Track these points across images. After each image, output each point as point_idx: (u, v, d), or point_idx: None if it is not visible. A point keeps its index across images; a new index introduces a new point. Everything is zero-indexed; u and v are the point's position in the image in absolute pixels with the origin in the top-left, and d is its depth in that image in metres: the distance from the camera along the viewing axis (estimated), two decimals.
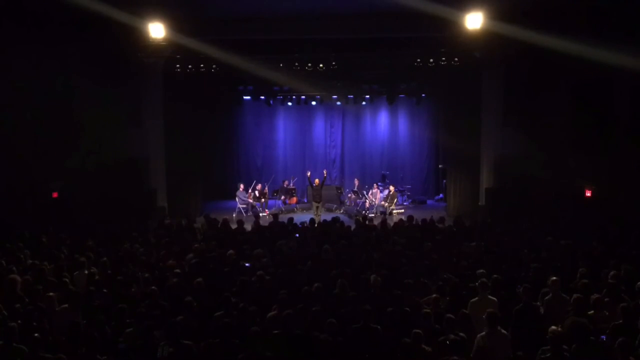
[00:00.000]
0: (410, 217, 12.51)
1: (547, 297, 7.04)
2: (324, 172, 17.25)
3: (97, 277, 8.26)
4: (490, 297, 6.95)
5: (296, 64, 15.23)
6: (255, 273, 8.05)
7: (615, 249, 9.32)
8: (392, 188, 17.46)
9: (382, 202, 17.27)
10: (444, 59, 14.95)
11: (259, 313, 6.71)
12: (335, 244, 9.78)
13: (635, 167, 12.65)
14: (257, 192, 17.54)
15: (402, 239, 10.48)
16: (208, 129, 17.85)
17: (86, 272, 8.44)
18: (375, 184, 18.09)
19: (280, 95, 18.02)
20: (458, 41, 13.85)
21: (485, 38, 13.27)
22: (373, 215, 15.97)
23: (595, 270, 7.95)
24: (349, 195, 18.31)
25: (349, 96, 18.05)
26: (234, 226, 12.17)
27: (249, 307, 6.74)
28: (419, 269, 8.54)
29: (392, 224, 12.43)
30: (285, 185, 18.56)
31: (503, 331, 6.06)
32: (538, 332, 6.15)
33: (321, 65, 15.12)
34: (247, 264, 9.05)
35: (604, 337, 5.98)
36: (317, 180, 15.96)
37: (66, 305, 6.93)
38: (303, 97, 18.36)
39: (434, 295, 7.08)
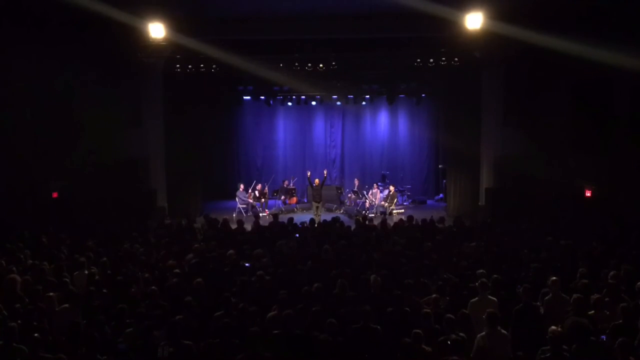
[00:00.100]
0: (410, 217, 12.51)
1: (547, 297, 7.03)
2: (324, 172, 17.25)
3: (97, 277, 8.26)
4: (490, 297, 6.95)
5: (296, 64, 15.22)
6: (255, 273, 8.04)
7: (615, 249, 9.32)
8: (392, 188, 17.46)
9: (382, 202, 17.27)
10: (444, 59, 14.95)
11: (259, 313, 6.71)
12: (335, 244, 9.78)
13: (635, 167, 12.64)
14: (257, 192, 17.54)
15: (402, 239, 10.49)
16: (208, 129, 17.84)
17: (86, 272, 8.45)
18: (375, 184, 18.09)
19: (280, 95, 18.02)
20: (458, 41, 13.84)
21: (485, 38, 13.26)
22: (373, 215, 15.97)
23: (595, 270, 7.95)
24: (349, 195, 18.31)
25: (349, 96, 18.06)
26: (234, 226, 12.17)
27: (249, 307, 6.74)
28: (419, 269, 8.54)
29: (392, 224, 12.43)
30: (285, 185, 18.56)
31: (503, 331, 6.06)
32: (538, 332, 6.15)
33: (321, 65, 15.12)
34: (247, 264, 9.05)
35: (604, 337, 5.98)
36: (317, 180, 15.96)
37: (66, 305, 6.93)
38: (303, 97, 18.36)
39: (434, 295, 7.08)
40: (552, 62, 13.54)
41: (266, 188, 17.82)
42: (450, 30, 13.38)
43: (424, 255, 9.30)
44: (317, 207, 15.63)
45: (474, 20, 12.48)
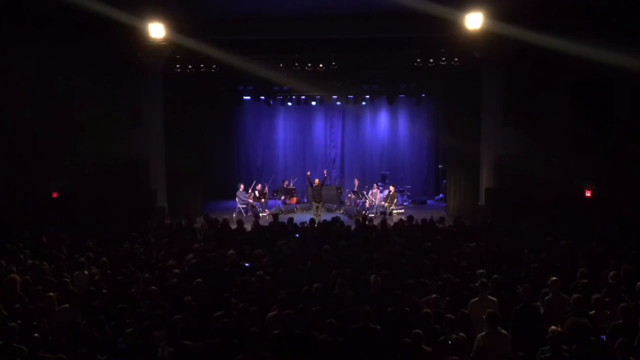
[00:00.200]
0: (410, 217, 12.51)
1: (547, 297, 7.03)
2: (324, 172, 17.26)
3: (97, 277, 8.26)
4: (490, 297, 6.94)
5: (296, 64, 15.23)
6: (255, 273, 8.04)
7: (615, 249, 9.32)
8: (392, 188, 17.46)
9: (382, 202, 17.27)
10: (444, 59, 14.95)
11: (259, 313, 6.71)
12: (335, 244, 9.77)
13: (635, 167, 12.63)
14: (257, 192, 17.54)
15: (402, 239, 10.49)
16: (208, 129, 17.86)
17: (86, 272, 8.45)
18: (375, 184, 18.09)
19: (280, 95, 18.03)
20: (458, 41, 13.85)
21: (485, 38, 13.27)
22: (373, 215, 15.97)
23: (595, 270, 7.95)
24: (349, 195, 18.31)
25: (349, 96, 18.08)
26: (234, 226, 12.17)
27: (249, 307, 6.74)
28: (419, 269, 8.54)
29: (392, 224, 12.43)
30: (285, 185, 18.56)
31: (503, 331, 6.06)
32: (538, 332, 6.15)
33: (321, 65, 15.12)
34: (247, 264, 9.05)
35: (604, 337, 5.98)
36: (317, 180, 15.96)
37: (66, 305, 6.93)
38: (303, 97, 18.37)
39: (434, 295, 7.08)
40: (552, 62, 13.54)
41: (266, 188, 17.83)
42: (450, 30, 13.38)
43: (424, 255, 9.30)
44: (317, 207, 15.63)
45: (474, 20, 12.48)
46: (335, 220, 12.17)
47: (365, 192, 17.77)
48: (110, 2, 11.93)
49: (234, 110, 19.65)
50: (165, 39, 13.54)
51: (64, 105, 14.06)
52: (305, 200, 18.78)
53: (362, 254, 9.18)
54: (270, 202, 18.17)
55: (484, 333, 6.01)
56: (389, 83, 17.07)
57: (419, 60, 15.05)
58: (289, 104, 18.73)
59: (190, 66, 15.14)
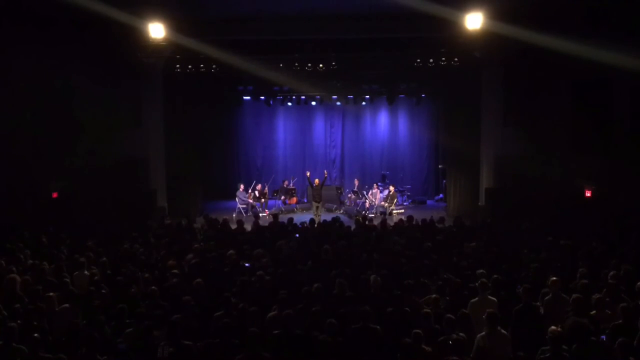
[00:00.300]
0: (410, 217, 12.51)
1: (547, 297, 7.03)
2: (325, 172, 17.26)
3: (97, 277, 8.26)
4: (490, 297, 6.94)
5: (296, 64, 15.23)
6: (255, 273, 8.05)
7: (615, 249, 9.32)
8: (392, 188, 17.47)
9: (382, 202, 17.27)
10: (443, 59, 14.95)
11: (259, 313, 6.71)
12: (335, 244, 9.77)
13: (635, 167, 12.63)
14: (257, 192, 17.54)
15: (402, 239, 10.49)
16: (208, 129, 17.87)
17: (86, 272, 8.44)
18: (375, 184, 18.10)
19: (280, 95, 18.03)
20: (458, 41, 13.85)
21: (485, 38, 13.27)
22: (373, 215, 15.97)
23: (595, 270, 7.95)
24: (349, 195, 18.31)
25: (349, 96, 18.08)
26: (234, 226, 12.17)
27: (249, 307, 6.74)
28: (419, 269, 8.54)
29: (392, 224, 12.43)
30: (285, 185, 18.56)
31: (503, 331, 6.05)
32: (538, 332, 6.15)
33: (321, 65, 15.12)
34: (247, 264, 9.05)
35: (604, 337, 5.98)
36: (317, 180, 15.97)
37: (66, 305, 6.93)
38: (303, 97, 18.37)
39: (434, 296, 7.08)
40: (552, 62, 13.53)
41: (266, 188, 17.83)
42: (450, 30, 13.38)
43: (424, 256, 9.30)
44: (317, 207, 15.64)
45: (474, 21, 12.48)
46: (335, 220, 12.17)
47: (365, 192, 17.77)
48: (110, 2, 11.92)
49: (234, 110, 19.65)
50: (165, 39, 13.54)
51: (64, 105, 14.06)
52: (305, 200, 18.78)
53: (362, 254, 9.18)
54: (270, 202, 18.17)
55: (484, 333, 6.01)
56: (389, 83, 17.06)
57: (419, 60, 15.05)
58: (289, 104, 18.73)
59: (190, 66, 15.14)
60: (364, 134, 20.33)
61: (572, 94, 14.52)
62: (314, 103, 19.01)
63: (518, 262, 8.91)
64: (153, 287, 7.46)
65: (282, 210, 17.02)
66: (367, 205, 17.29)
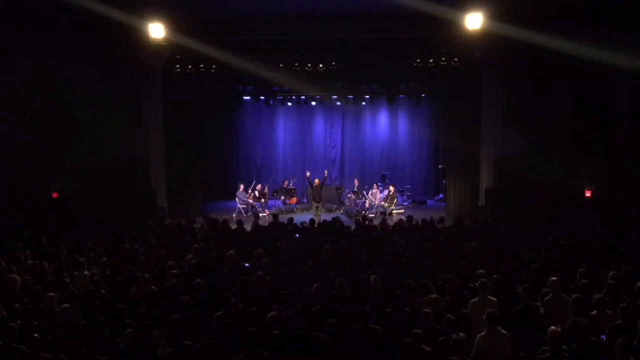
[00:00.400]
0: (410, 217, 12.51)
1: (547, 297, 7.03)
2: (325, 172, 17.27)
3: (97, 277, 8.26)
4: (490, 297, 6.94)
5: (296, 64, 15.22)
6: (255, 273, 8.04)
7: (615, 249, 9.32)
8: (392, 188, 17.47)
9: (382, 202, 17.27)
10: (443, 59, 14.94)
11: (259, 313, 6.71)
12: (335, 244, 9.77)
13: (635, 167, 12.64)
14: (257, 192, 17.54)
15: (402, 239, 10.49)
16: (208, 129, 17.86)
17: (86, 272, 8.44)
18: (375, 184, 18.09)
19: (280, 95, 18.02)
20: (458, 41, 13.84)
21: (485, 38, 13.26)
22: (373, 215, 15.97)
23: (595, 271, 7.95)
24: (349, 195, 18.31)
25: (349, 96, 18.07)
26: (233, 226, 12.17)
27: (249, 308, 6.74)
28: (419, 269, 8.54)
29: (392, 224, 12.43)
30: (285, 186, 18.56)
31: (503, 331, 6.05)
32: (538, 332, 6.15)
33: (321, 65, 15.11)
34: (247, 264, 9.05)
35: (604, 337, 5.98)
36: (317, 180, 15.97)
37: (66, 305, 6.93)
38: (303, 97, 18.37)
39: (434, 296, 7.08)
40: (552, 62, 13.54)
41: (266, 188, 17.83)
42: (450, 30, 13.38)
43: (424, 256, 9.30)
44: (317, 207, 15.64)
45: (473, 21, 12.48)
46: (335, 220, 12.17)
47: (365, 192, 17.77)
48: (110, 2, 11.93)
49: (234, 110, 19.65)
50: (165, 39, 13.54)
51: (64, 105, 14.06)
52: (305, 200, 18.78)
53: (362, 254, 9.18)
54: (270, 202, 18.16)
55: (484, 333, 6.01)
56: (389, 83, 17.04)
57: (419, 60, 15.05)
58: (289, 104, 18.72)
59: (190, 66, 15.13)
60: (364, 134, 20.33)
61: (572, 94, 14.52)
62: (314, 103, 19.01)
63: (518, 262, 8.91)
64: (153, 287, 7.47)
65: (282, 210, 17.02)
66: (367, 205, 17.29)
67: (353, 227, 12.08)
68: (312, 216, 14.63)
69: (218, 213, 15.16)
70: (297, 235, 11.20)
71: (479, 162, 15.94)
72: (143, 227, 12.12)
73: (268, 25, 14.34)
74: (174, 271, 8.42)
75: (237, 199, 17.00)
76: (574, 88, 14.42)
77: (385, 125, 20.29)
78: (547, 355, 5.49)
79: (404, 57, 15.34)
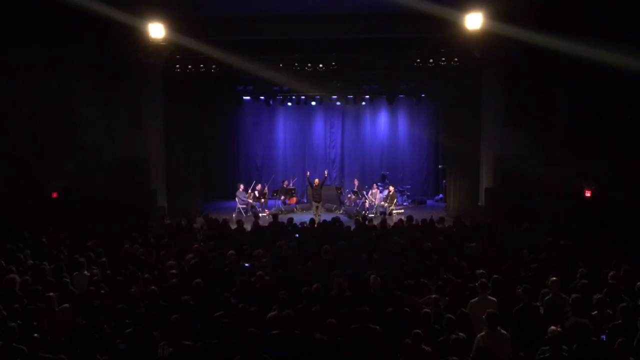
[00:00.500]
0: (410, 217, 12.51)
1: (547, 297, 7.04)
2: (325, 172, 17.27)
3: (96, 277, 8.26)
4: (490, 297, 6.94)
5: (296, 64, 15.21)
6: (255, 273, 8.04)
7: (615, 249, 9.32)
8: (391, 188, 17.47)
9: (382, 203, 17.27)
10: (443, 59, 14.93)
11: (259, 313, 6.71)
12: (335, 244, 9.77)
13: (635, 167, 12.64)
14: (256, 193, 17.54)
15: (402, 239, 10.49)
16: (208, 129, 17.87)
17: (86, 272, 8.44)
18: (375, 184, 18.09)
19: (280, 96, 18.01)
20: (458, 41, 13.83)
21: (485, 38, 13.25)
22: (373, 215, 15.97)
23: (595, 271, 7.95)
24: (349, 195, 18.31)
25: (349, 96, 18.05)
26: (233, 226, 12.17)
27: (249, 308, 6.74)
28: (419, 269, 8.54)
29: (392, 224, 12.43)
30: (285, 186, 18.56)
31: (503, 331, 6.06)
32: (538, 332, 6.15)
33: (321, 66, 15.10)
34: (246, 264, 9.05)
35: (604, 337, 5.98)
36: (316, 180, 15.97)
37: (66, 305, 6.94)
38: (303, 97, 18.35)
39: (434, 296, 7.08)
40: (552, 62, 13.53)
41: (266, 188, 17.83)
42: (450, 30, 13.37)
43: (424, 256, 9.30)
44: (317, 207, 15.64)
45: (474, 21, 12.47)
46: (335, 220, 12.17)
47: (365, 192, 17.77)
48: (110, 2, 11.92)
49: (234, 110, 19.63)
50: (165, 39, 13.53)
51: (64, 105, 14.07)
52: (305, 200, 18.78)
53: (362, 254, 9.18)
54: (270, 202, 18.16)
55: (484, 333, 6.01)
56: (389, 83, 17.03)
57: (419, 60, 15.03)
58: (289, 104, 18.71)
59: (190, 66, 15.12)
60: (364, 134, 20.32)
61: (572, 94, 14.52)
62: (313, 103, 19.00)
63: (518, 262, 8.91)
64: (153, 287, 7.47)
65: (282, 210, 17.02)
66: (367, 205, 17.29)
67: (353, 227, 12.07)
68: (312, 216, 14.63)
69: (218, 213, 15.16)
70: (297, 235, 11.21)
71: (478, 162, 15.94)
72: (143, 227, 12.12)
73: (268, 25, 14.34)
74: (174, 271, 8.43)
75: (237, 199, 17.00)
76: (574, 88, 14.43)
77: (385, 125, 20.28)
78: (547, 355, 5.49)
79: (404, 57, 15.33)
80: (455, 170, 16.78)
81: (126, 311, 6.69)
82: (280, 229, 11.63)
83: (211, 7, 13.70)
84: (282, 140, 20.28)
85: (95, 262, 9.01)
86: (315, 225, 12.08)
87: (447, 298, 7.22)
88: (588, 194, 13.86)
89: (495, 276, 7.50)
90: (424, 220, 11.97)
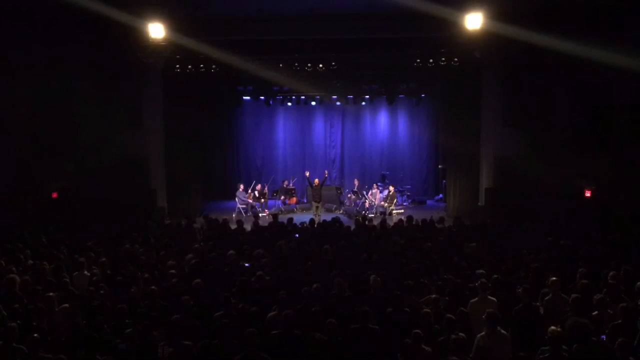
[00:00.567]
0: (410, 217, 12.51)
1: (547, 297, 7.03)
2: (325, 172, 17.26)
3: (96, 277, 8.26)
4: (490, 297, 6.94)
5: (296, 64, 15.20)
6: (255, 273, 8.04)
7: (615, 249, 9.32)
8: (391, 188, 17.47)
9: (382, 203, 17.27)
10: (443, 59, 14.93)
11: (258, 313, 6.71)
12: (335, 244, 9.77)
13: (635, 167, 12.64)
14: (256, 193, 17.54)
15: (402, 239, 10.49)
16: (208, 129, 17.86)
17: (86, 272, 8.44)
18: (375, 184, 18.09)
19: (280, 96, 18.01)
20: (458, 41, 13.83)
21: (485, 38, 13.26)
22: (373, 215, 15.97)
23: (595, 271, 7.95)
24: (349, 195, 18.30)
25: (349, 96, 18.05)
26: (233, 226, 12.17)
27: (249, 308, 6.74)
28: (419, 269, 8.54)
29: (391, 224, 12.43)
30: (285, 186, 18.56)
31: (503, 331, 6.06)
32: (538, 332, 6.15)
33: (321, 66, 15.10)
34: (246, 264, 9.05)
35: (604, 337, 5.98)
36: (316, 180, 15.97)
37: (66, 305, 6.94)
38: (303, 97, 18.35)
39: (434, 296, 7.08)
40: (552, 62, 13.53)
41: (266, 188, 17.83)
42: (450, 30, 13.37)
43: (424, 256, 9.30)
44: (317, 207, 15.64)
45: (473, 21, 12.48)
46: (335, 220, 12.17)
47: (365, 192, 17.77)
48: (110, 2, 11.93)
49: (234, 110, 19.63)
50: (165, 39, 13.53)
51: (64, 105, 14.06)
52: (305, 200, 18.77)
53: (362, 254, 9.18)
54: (270, 202, 18.16)
55: (484, 333, 6.01)
56: (389, 83, 17.01)
57: (419, 60, 15.03)
58: (289, 104, 18.71)
59: (190, 66, 15.12)
60: (364, 134, 20.32)
61: (572, 94, 14.53)
62: (313, 103, 19.00)
63: (518, 262, 8.91)
64: (153, 287, 7.47)
65: (281, 211, 17.01)
66: (367, 205, 17.29)
67: (353, 227, 12.07)
68: (312, 216, 14.63)
69: (218, 213, 15.16)
70: (297, 235, 11.20)
71: (478, 162, 15.94)
72: (143, 227, 12.12)
73: (268, 25, 14.34)
74: (174, 271, 8.43)
75: (237, 199, 17.00)
76: (574, 88, 14.43)
77: (385, 125, 20.28)
78: (547, 355, 5.49)
79: (404, 57, 15.32)
80: (455, 171, 16.78)
81: (126, 311, 6.69)
82: (280, 229, 11.63)
83: (211, 7, 13.71)
84: (282, 140, 20.28)
85: (95, 262, 9.01)
86: (315, 225, 12.08)
87: (447, 298, 7.23)
88: (588, 194, 13.86)
89: (495, 276, 7.50)
90: (424, 220, 11.97)
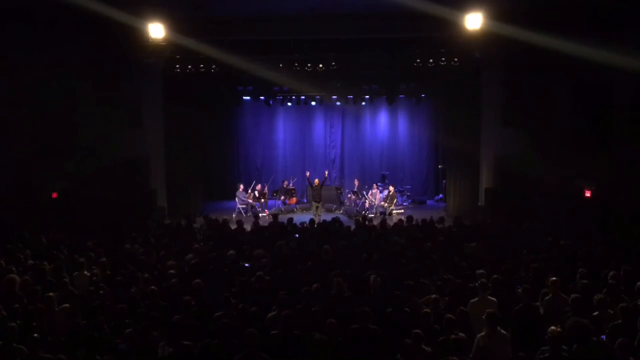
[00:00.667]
0: (410, 217, 12.51)
1: (547, 297, 7.03)
2: (325, 172, 17.26)
3: (96, 277, 8.25)
4: (490, 297, 6.94)
5: (296, 64, 15.22)
6: (255, 273, 8.04)
7: (615, 249, 9.32)
8: (391, 188, 17.47)
9: (382, 203, 17.27)
10: (443, 59, 14.94)
11: (258, 314, 6.71)
12: (335, 244, 9.77)
13: (635, 167, 12.64)
14: (256, 193, 17.54)
15: (402, 239, 10.49)
16: (208, 129, 17.86)
17: (86, 272, 8.44)
18: (375, 184, 18.09)
19: (280, 96, 18.01)
20: (458, 41, 13.84)
21: (485, 38, 13.27)
22: (373, 215, 15.97)
23: (595, 271, 7.95)
24: (349, 195, 18.31)
25: (349, 96, 18.05)
26: (233, 226, 12.17)
27: (249, 308, 6.74)
28: (419, 269, 8.54)
29: (391, 224, 12.43)
30: (285, 186, 18.56)
31: (503, 331, 6.06)
32: (538, 332, 6.15)
33: (321, 66, 15.11)
34: (246, 265, 9.05)
35: (604, 337, 5.98)
36: (316, 180, 15.98)
37: (66, 305, 6.94)
38: (303, 97, 18.35)
39: (434, 296, 7.08)
40: (552, 62, 13.53)
41: (266, 188, 17.83)
42: (450, 31, 13.38)
43: (424, 256, 9.30)
44: (317, 207, 15.65)
45: (473, 21, 12.49)
46: (335, 220, 12.17)
47: (365, 193, 17.77)
48: (110, 2, 11.93)
49: (234, 111, 19.63)
50: (165, 39, 13.54)
51: (64, 105, 14.06)
52: (305, 201, 18.77)
53: (362, 254, 9.18)
54: (270, 202, 18.16)
55: (484, 333, 6.01)
56: (388, 83, 17.02)
57: (419, 60, 15.05)
58: (289, 104, 18.71)
59: (190, 66, 15.13)
60: (364, 134, 20.32)
61: (572, 94, 14.52)
62: (313, 103, 19.00)
63: (518, 262, 8.91)
64: (153, 287, 7.47)
65: (281, 211, 17.01)
66: (366, 205, 17.29)
67: (353, 227, 12.07)
68: (312, 216, 14.63)
69: (218, 213, 15.17)
70: (297, 235, 11.20)
71: (478, 162, 15.93)
72: (143, 227, 12.12)
73: (268, 25, 14.34)
74: (174, 271, 8.43)
75: (237, 199, 17.00)
76: (574, 88, 14.42)
77: (385, 126, 20.28)
78: (547, 355, 5.49)
79: (404, 57, 15.33)
80: (455, 170, 16.79)
81: (126, 311, 6.69)
82: (280, 229, 11.63)
83: (211, 7, 13.70)
84: (282, 140, 20.28)
85: (95, 262, 9.00)
86: (315, 226, 12.08)
87: (447, 298, 7.22)
88: (588, 194, 13.86)
89: (495, 276, 7.50)
90: (424, 220, 11.97)
